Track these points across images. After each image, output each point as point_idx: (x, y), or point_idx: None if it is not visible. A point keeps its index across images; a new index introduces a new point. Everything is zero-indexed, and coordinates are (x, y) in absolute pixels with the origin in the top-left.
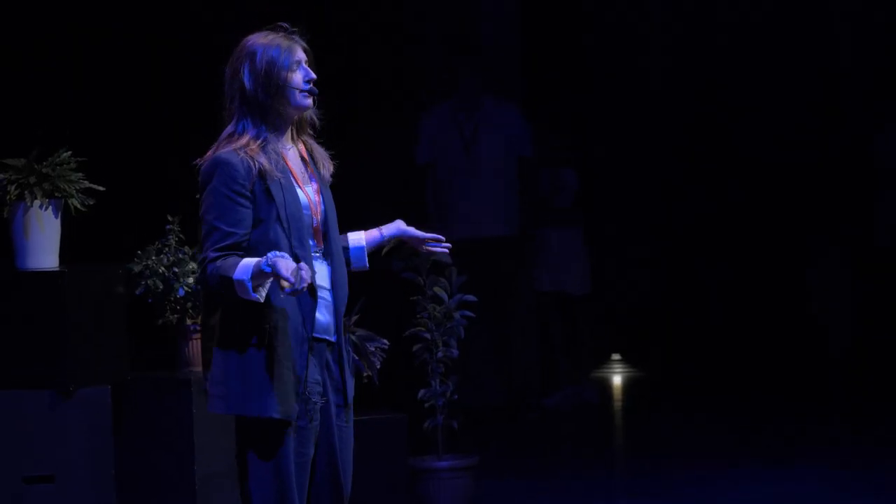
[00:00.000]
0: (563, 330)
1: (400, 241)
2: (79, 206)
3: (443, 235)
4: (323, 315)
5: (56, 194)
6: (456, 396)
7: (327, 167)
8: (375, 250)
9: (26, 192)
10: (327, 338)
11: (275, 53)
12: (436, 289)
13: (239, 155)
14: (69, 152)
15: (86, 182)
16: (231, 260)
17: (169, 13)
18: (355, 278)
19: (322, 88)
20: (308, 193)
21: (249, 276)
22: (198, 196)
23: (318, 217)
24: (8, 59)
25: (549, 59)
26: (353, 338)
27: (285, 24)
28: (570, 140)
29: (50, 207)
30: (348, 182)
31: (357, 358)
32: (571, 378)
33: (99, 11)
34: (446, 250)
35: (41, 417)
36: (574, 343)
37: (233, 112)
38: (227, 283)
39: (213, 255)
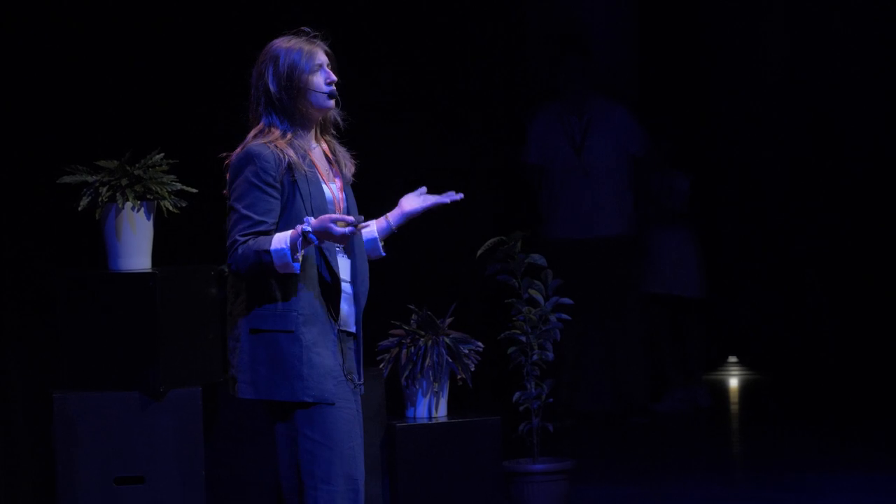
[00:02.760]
0: (673, 333)
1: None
2: (171, 208)
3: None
4: (346, 307)
5: (148, 196)
6: (551, 400)
7: (349, 167)
8: (388, 236)
9: (118, 194)
10: (347, 329)
11: (296, 57)
12: (531, 291)
13: (269, 148)
14: (161, 154)
15: (178, 184)
16: (262, 237)
17: (267, 17)
18: (449, 281)
19: (425, 87)
20: (332, 190)
21: (288, 245)
22: (224, 191)
23: (341, 213)
24: (102, 62)
25: (664, 62)
26: (447, 340)
27: (307, 29)
28: (681, 144)
29: (142, 209)
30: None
31: (451, 361)
32: (682, 382)
33: (193, 14)
34: (455, 196)
35: (132, 419)
36: (685, 346)
37: (260, 114)
38: (264, 256)
39: (241, 238)
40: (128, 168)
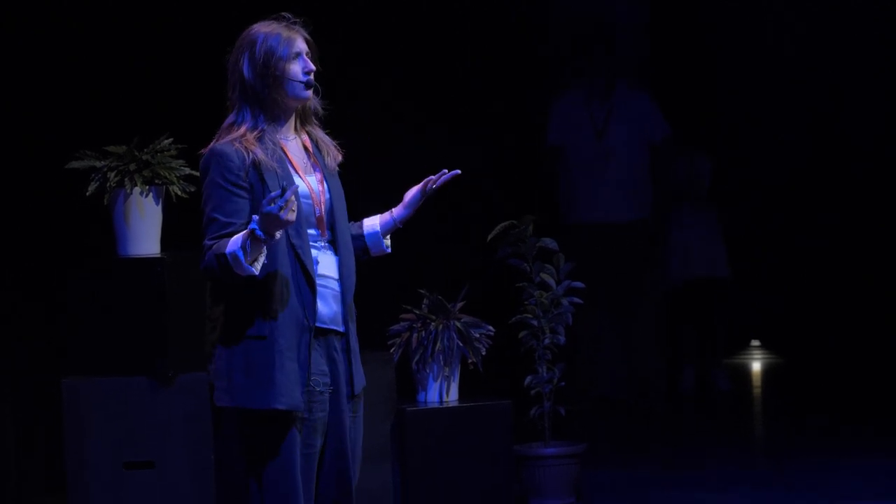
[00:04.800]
0: (696, 317)
1: (417, 205)
2: (180, 192)
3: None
4: (329, 305)
5: (157, 181)
6: (563, 384)
7: (333, 156)
8: (392, 231)
9: (126, 179)
10: (334, 328)
11: (274, 43)
12: (542, 275)
13: (234, 146)
14: (170, 139)
15: (187, 169)
16: (224, 240)
17: (275, 3)
18: (460, 265)
19: (449, 73)
20: (309, 183)
21: (240, 246)
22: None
23: (322, 207)
24: (111, 47)
25: (676, 50)
26: (458, 324)
27: (288, 15)
28: (696, 129)
29: (150, 194)
30: (474, 165)
31: (462, 345)
32: (705, 365)
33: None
34: (453, 173)
35: (142, 404)
36: (708, 329)
37: (234, 101)
38: (223, 260)
39: (209, 242)
40: (136, 153)
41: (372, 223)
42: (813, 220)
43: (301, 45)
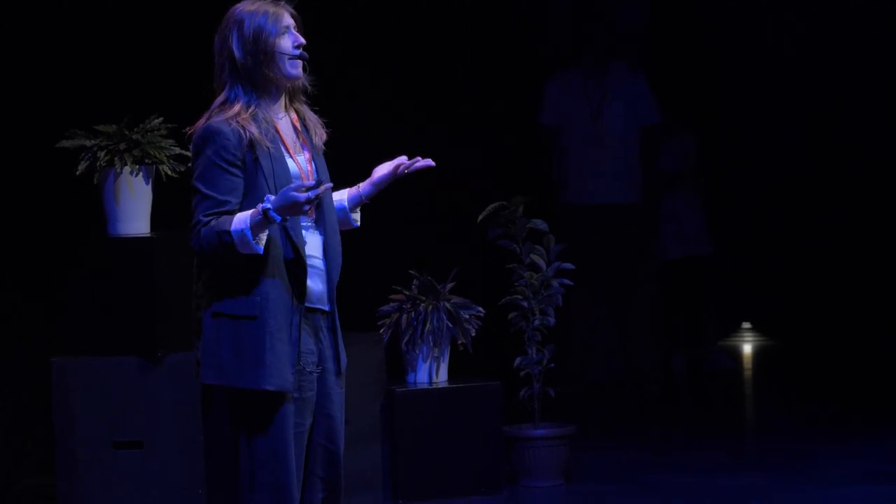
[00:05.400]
0: (685, 298)
1: (383, 185)
2: (170, 172)
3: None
4: (315, 284)
5: (146, 161)
6: (552, 365)
7: (320, 135)
8: (360, 206)
9: (116, 158)
10: (320, 307)
11: (262, 20)
12: (533, 256)
13: (230, 124)
14: (160, 119)
15: (177, 148)
16: (224, 218)
17: None
18: (450, 246)
19: (441, 53)
20: (299, 163)
21: (248, 225)
22: (189, 164)
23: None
24: (101, 25)
25: (674, 33)
26: (447, 305)
27: None
28: (692, 112)
29: (140, 174)
30: (474, 165)
31: (452, 326)
32: (700, 345)
33: None
34: (428, 163)
35: (131, 384)
36: (698, 310)
37: (224, 81)
38: (225, 237)
39: (204, 219)
40: (126, 132)
41: (340, 197)
42: (813, 220)
43: (288, 19)
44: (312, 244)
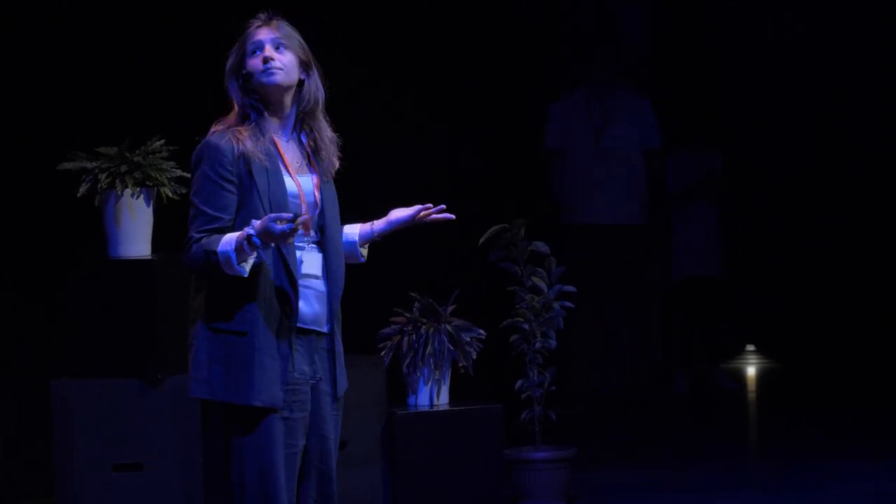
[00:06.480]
0: (692, 317)
1: (399, 228)
2: (171, 194)
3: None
4: (312, 305)
5: (148, 183)
6: (553, 388)
7: (332, 161)
8: (370, 242)
9: (117, 180)
10: (316, 328)
11: (244, 45)
12: (534, 279)
13: (227, 137)
14: (161, 141)
15: (178, 170)
16: (214, 237)
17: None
18: (451, 269)
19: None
20: (299, 182)
21: (233, 248)
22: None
23: (306, 206)
24: (103, 48)
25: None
26: (448, 328)
27: (262, 14)
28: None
29: (141, 196)
30: (474, 165)
31: (453, 348)
32: (700, 366)
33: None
34: (448, 216)
35: (131, 406)
36: (705, 330)
37: (231, 98)
38: (212, 257)
39: (197, 235)
40: (127, 154)
41: (351, 231)
42: (813, 220)
43: (260, 37)
44: (311, 264)
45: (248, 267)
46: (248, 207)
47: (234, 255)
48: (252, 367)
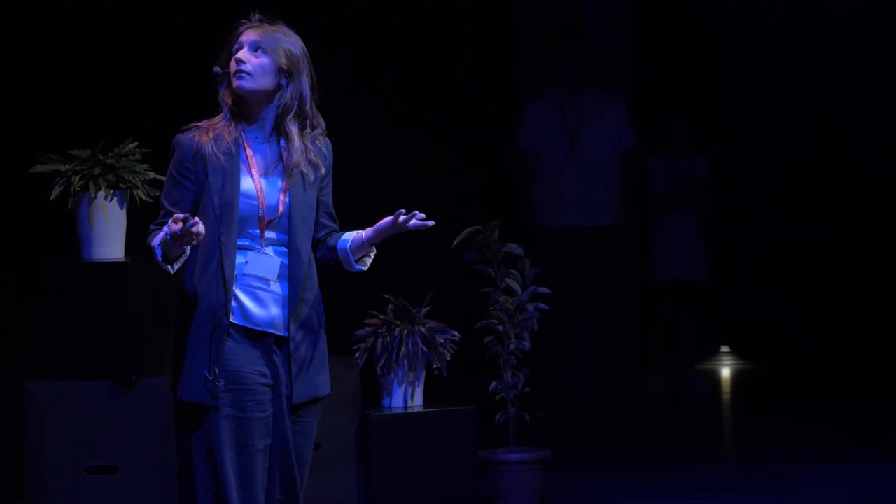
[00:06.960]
0: (668, 319)
1: (387, 234)
2: (144, 196)
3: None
4: (267, 309)
5: (121, 185)
6: (528, 389)
7: (310, 168)
8: (366, 252)
9: (91, 183)
10: (273, 331)
11: (231, 43)
12: (508, 280)
13: (191, 134)
14: (135, 143)
15: (151, 173)
16: (156, 231)
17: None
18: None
19: (420, 76)
20: (260, 183)
21: (158, 243)
22: None
23: (264, 207)
24: (74, 50)
25: (656, 52)
26: (423, 330)
27: (256, 16)
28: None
29: (115, 198)
30: (445, 167)
31: (427, 350)
32: (674, 368)
33: (168, 1)
34: (427, 223)
35: (104, 408)
36: (679, 332)
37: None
38: (150, 250)
39: (152, 227)
40: (100, 157)
41: (347, 237)
42: (812, 219)
43: (243, 38)
44: (259, 265)
45: (176, 266)
46: (203, 205)
47: (158, 251)
48: (184, 359)
